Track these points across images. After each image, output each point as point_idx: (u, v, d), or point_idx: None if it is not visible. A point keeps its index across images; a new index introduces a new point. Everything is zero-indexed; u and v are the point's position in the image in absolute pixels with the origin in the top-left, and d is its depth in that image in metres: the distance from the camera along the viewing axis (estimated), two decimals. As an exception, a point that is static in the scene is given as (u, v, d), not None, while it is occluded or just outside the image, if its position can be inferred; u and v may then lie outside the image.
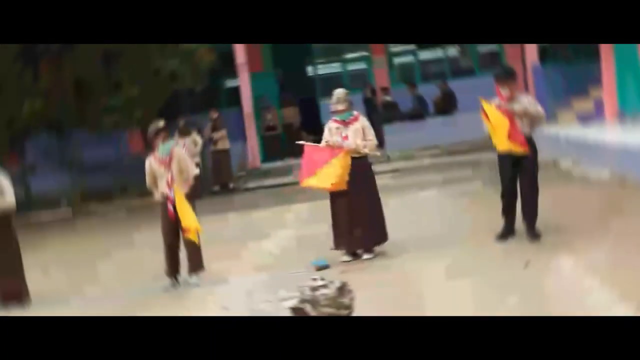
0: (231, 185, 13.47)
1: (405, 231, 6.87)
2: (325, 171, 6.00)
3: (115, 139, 14.52)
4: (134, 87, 11.61)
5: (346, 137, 6.15)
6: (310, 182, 6.16)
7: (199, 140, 12.98)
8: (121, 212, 12.13)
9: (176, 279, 6.22)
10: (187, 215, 5.97)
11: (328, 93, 16.31)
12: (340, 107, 6.19)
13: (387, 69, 16.27)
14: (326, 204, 8.86)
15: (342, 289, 3.64)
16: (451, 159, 13.13)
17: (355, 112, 6.35)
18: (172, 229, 6.15)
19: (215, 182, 13.35)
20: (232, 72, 15.34)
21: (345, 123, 6.22)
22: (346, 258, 6.24)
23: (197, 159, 12.90)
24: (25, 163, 13.10)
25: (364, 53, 16.58)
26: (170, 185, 6.06)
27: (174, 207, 6.04)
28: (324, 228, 7.93)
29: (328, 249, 6.44)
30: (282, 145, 15.89)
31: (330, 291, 3.59)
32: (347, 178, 5.99)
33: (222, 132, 13.50)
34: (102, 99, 11.73)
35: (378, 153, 6.36)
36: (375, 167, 13.98)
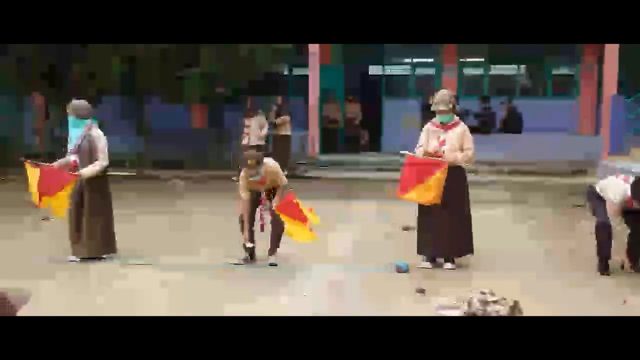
0: (286, 172, 13.44)
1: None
2: (426, 185, 5.85)
3: (182, 111, 14.71)
4: (214, 64, 11.69)
5: (443, 142, 5.99)
6: (410, 195, 5.98)
7: (265, 123, 13.04)
8: (183, 181, 12.25)
9: (252, 254, 6.28)
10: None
11: (392, 93, 16.40)
12: (442, 107, 5.99)
13: (456, 78, 16.06)
14: (388, 205, 8.80)
15: (514, 309, 3.51)
16: (514, 178, 12.91)
17: (456, 117, 6.18)
18: (254, 204, 6.21)
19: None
20: (301, 61, 15.34)
21: (445, 127, 6.08)
22: (426, 265, 6.18)
23: (262, 142, 13.00)
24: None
25: (434, 59, 16.39)
26: None
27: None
28: (390, 229, 7.93)
29: (401, 252, 6.41)
30: (340, 139, 15.90)
31: (503, 309, 3.45)
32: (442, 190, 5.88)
33: (285, 118, 13.54)
34: (184, 71, 11.84)
35: (474, 167, 6.16)
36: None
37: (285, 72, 16.86)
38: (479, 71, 16.55)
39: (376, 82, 16.76)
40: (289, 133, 13.56)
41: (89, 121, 6.36)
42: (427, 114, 15.32)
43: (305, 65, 15.34)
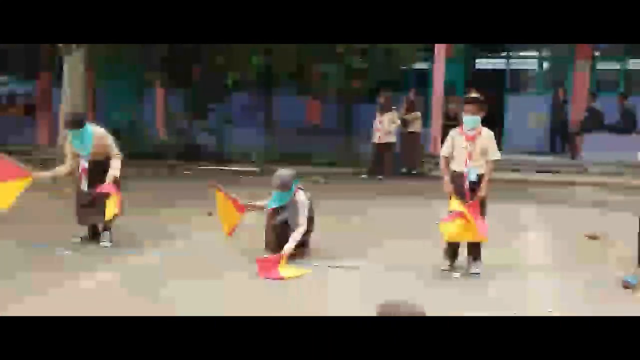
0: (415, 171, 12.91)
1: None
2: None
3: (302, 106, 14.48)
4: (353, 58, 11.38)
5: None
6: None
7: (397, 119, 12.58)
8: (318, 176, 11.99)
9: (453, 262, 5.86)
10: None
11: (517, 88, 15.51)
12: None
13: (589, 73, 15.02)
14: (547, 209, 8.09)
15: None
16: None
17: None
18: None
19: (403, 165, 12.90)
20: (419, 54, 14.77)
21: None
22: (642, 276, 5.59)
23: (393, 139, 12.55)
24: (223, 114, 13.27)
25: (565, 53, 15.41)
26: (468, 160, 5.66)
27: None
28: (565, 235, 7.30)
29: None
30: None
31: None
32: None
33: (417, 114, 13.02)
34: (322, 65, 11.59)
35: None
36: (569, 177, 12.90)
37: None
38: (614, 66, 15.42)
39: (499, 76, 15.95)
40: (418, 130, 13.03)
41: (294, 189, 6.12)
42: (555, 111, 14.60)
43: (423, 58, 14.78)
